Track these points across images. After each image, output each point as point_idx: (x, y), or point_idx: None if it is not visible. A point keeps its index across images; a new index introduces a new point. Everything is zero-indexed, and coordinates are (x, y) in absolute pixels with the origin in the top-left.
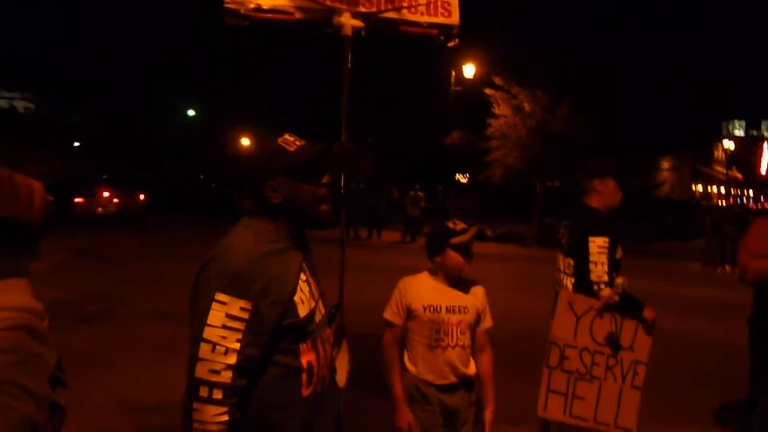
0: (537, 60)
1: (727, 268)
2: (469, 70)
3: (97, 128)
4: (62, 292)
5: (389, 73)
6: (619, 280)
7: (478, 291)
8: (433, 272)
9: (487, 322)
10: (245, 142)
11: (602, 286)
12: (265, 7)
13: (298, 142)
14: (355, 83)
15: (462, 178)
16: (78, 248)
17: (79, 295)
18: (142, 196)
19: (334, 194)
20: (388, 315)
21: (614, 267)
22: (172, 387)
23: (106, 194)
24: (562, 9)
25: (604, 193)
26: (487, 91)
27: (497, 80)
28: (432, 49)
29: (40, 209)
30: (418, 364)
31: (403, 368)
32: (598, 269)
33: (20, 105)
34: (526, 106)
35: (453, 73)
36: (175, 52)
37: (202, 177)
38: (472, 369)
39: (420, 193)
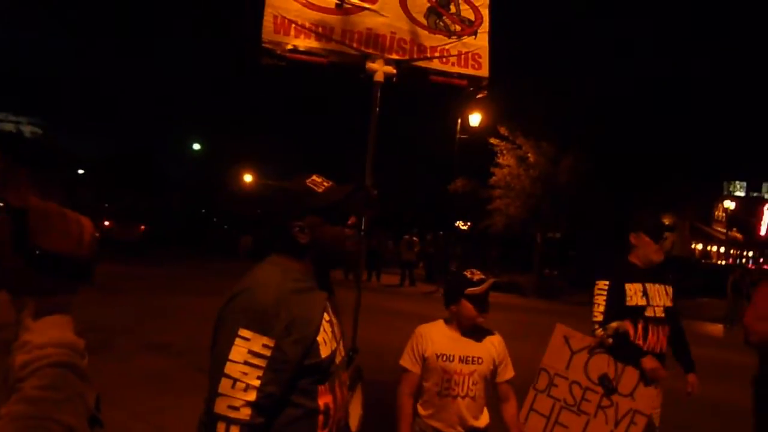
0: (542, 112)
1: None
2: (474, 119)
3: (102, 157)
4: None
5: (395, 118)
6: (613, 324)
7: (495, 341)
8: (448, 321)
9: (508, 373)
10: (248, 178)
11: (596, 326)
12: (301, 48)
13: (326, 183)
14: (364, 127)
15: (463, 226)
16: None
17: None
18: (141, 228)
19: (357, 236)
20: (405, 362)
21: (627, 314)
22: (166, 421)
23: (105, 224)
24: (569, 63)
25: (639, 247)
26: (492, 140)
27: (502, 130)
28: (439, 96)
29: (89, 245)
30: (427, 410)
31: (415, 413)
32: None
33: (27, 129)
34: (531, 157)
35: (459, 120)
36: (185, 84)
37: (203, 211)
38: (483, 421)
39: (415, 238)
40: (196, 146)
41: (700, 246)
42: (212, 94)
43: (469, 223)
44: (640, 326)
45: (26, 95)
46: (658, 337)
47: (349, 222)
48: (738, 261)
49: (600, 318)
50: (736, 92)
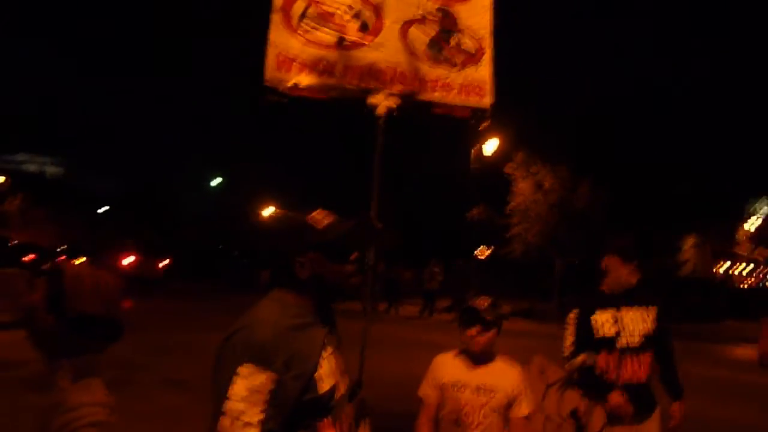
0: (558, 137)
1: None
2: (489, 147)
3: (123, 194)
4: None
5: (410, 146)
6: (577, 359)
7: (512, 374)
8: (464, 350)
9: (524, 409)
10: (267, 212)
11: (565, 361)
12: (302, 85)
13: (326, 220)
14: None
15: (481, 253)
16: None
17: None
18: (164, 263)
19: (361, 270)
20: (422, 391)
21: (598, 346)
22: None
23: (131, 258)
24: (585, 89)
25: (611, 272)
26: (507, 168)
27: (518, 157)
28: (454, 125)
29: (118, 305)
30: None
31: None
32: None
33: (50, 170)
34: (546, 183)
35: (473, 149)
36: (204, 119)
37: (221, 246)
38: None
39: (436, 268)
40: (215, 181)
41: (723, 267)
42: (231, 128)
43: (488, 251)
44: (613, 358)
45: (48, 136)
46: (635, 367)
47: (351, 258)
48: (763, 283)
49: (565, 352)
50: (763, 108)
